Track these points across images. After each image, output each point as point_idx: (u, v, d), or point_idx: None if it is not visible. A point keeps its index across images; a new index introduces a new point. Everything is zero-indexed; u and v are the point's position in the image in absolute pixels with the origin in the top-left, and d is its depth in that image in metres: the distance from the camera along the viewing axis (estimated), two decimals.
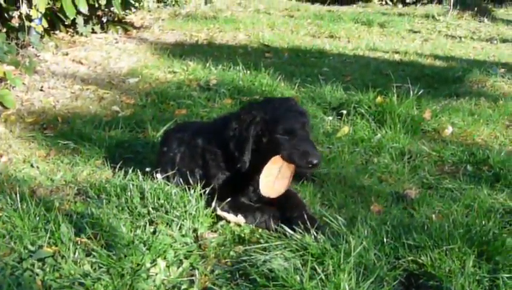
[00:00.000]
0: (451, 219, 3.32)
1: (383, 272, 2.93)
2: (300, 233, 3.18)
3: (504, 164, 4.33)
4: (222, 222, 3.47)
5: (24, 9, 6.53)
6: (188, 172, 3.70)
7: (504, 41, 10.74)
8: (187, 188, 3.58)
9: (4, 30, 7.00)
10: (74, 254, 3.02)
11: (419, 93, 5.65)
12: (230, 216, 3.47)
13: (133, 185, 3.64)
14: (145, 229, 3.26)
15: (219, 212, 3.48)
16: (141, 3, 10.58)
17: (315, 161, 3.33)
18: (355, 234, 3.13)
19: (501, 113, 5.69)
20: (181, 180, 3.70)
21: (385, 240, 3.14)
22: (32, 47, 7.20)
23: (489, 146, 4.84)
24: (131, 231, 3.23)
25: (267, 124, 3.45)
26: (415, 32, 11.69)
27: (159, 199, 3.51)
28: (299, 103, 3.87)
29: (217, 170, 3.63)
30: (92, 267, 2.95)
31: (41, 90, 6.42)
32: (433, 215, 3.52)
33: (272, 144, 3.43)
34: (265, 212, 3.47)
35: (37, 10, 6.52)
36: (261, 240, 3.29)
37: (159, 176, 3.71)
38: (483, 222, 3.30)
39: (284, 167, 3.40)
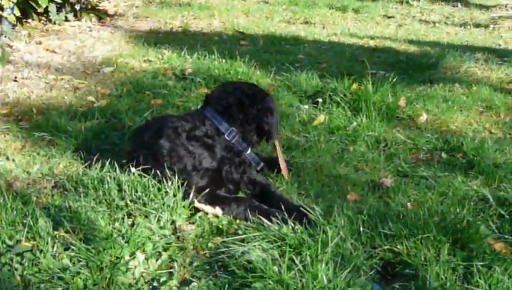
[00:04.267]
0: (426, 207, 3.36)
1: (360, 261, 2.97)
2: (278, 224, 3.21)
3: (477, 151, 4.39)
4: (200, 214, 3.48)
5: None
6: (164, 168, 3.67)
7: (477, 26, 10.84)
8: (164, 180, 3.58)
9: None
10: (53, 248, 3.01)
11: (394, 80, 5.70)
12: (207, 208, 3.49)
13: (110, 177, 3.63)
14: (123, 222, 3.27)
15: (197, 204, 3.49)
16: None
17: None
18: (332, 224, 3.17)
19: (474, 100, 5.76)
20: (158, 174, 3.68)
21: (361, 229, 3.17)
22: (5, 36, 7.12)
23: (463, 133, 4.90)
24: (109, 224, 3.23)
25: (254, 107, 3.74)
26: (389, 17, 11.74)
27: (136, 191, 3.50)
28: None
29: (198, 162, 3.63)
30: (71, 261, 2.94)
31: (15, 80, 6.35)
32: (409, 204, 3.56)
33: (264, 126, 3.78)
34: (241, 203, 3.50)
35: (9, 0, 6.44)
36: (239, 231, 3.31)
37: (133, 169, 3.69)
38: (458, 210, 3.36)
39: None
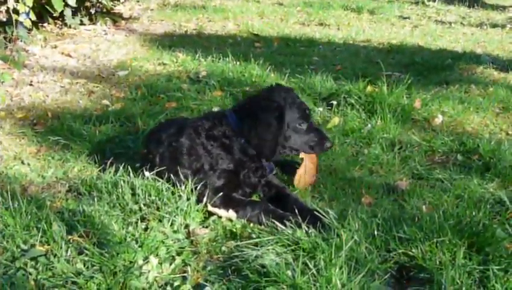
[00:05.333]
0: (441, 210, 3.32)
1: (374, 265, 2.94)
2: (292, 227, 3.19)
3: (494, 153, 4.34)
4: (214, 217, 3.47)
5: (11, 3, 6.47)
6: (175, 172, 3.66)
7: (494, 26, 10.75)
8: (178, 184, 3.57)
9: None
10: (66, 252, 3.02)
11: (409, 81, 5.67)
12: (221, 211, 3.48)
13: (124, 181, 3.64)
14: (137, 226, 3.28)
15: (210, 207, 3.48)
16: None
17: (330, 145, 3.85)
18: (346, 227, 3.14)
19: (491, 101, 5.71)
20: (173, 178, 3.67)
21: (376, 233, 3.15)
22: (21, 41, 7.17)
23: (480, 135, 4.86)
24: (123, 228, 3.23)
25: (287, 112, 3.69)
26: (405, 18, 11.69)
27: (150, 195, 3.51)
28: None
29: (215, 161, 3.63)
30: (84, 265, 2.94)
31: (30, 84, 6.40)
32: (424, 207, 3.52)
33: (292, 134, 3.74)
34: (256, 206, 3.48)
35: (25, 4, 6.47)
36: (253, 235, 3.29)
37: (147, 173, 3.69)
38: (474, 213, 3.31)
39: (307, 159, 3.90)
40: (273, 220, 3.32)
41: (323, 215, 3.26)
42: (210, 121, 3.72)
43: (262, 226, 3.38)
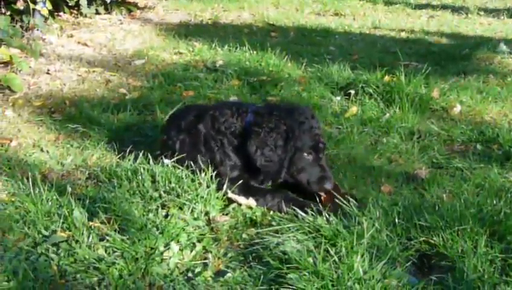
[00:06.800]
0: (462, 199, 3.32)
1: (396, 253, 2.94)
2: (312, 215, 3.19)
3: None
4: (233, 205, 3.48)
5: None
6: (193, 159, 3.68)
7: (511, 16, 10.67)
8: (198, 172, 3.58)
9: (8, 13, 6.97)
10: (88, 238, 3.04)
11: (427, 71, 5.64)
12: (241, 199, 3.48)
13: (143, 168, 3.65)
14: (157, 213, 3.28)
15: (230, 194, 3.48)
16: None
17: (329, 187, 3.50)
18: (367, 215, 3.14)
19: (510, 91, 5.68)
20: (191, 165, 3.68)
21: (397, 221, 3.14)
22: (37, 30, 7.19)
23: (499, 124, 4.83)
24: (143, 215, 3.25)
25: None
26: (421, 8, 11.62)
27: (170, 182, 3.51)
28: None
29: (224, 156, 3.64)
30: (106, 251, 2.97)
31: (47, 73, 6.41)
32: (444, 196, 3.52)
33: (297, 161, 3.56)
34: (276, 195, 3.49)
35: None
36: (273, 223, 3.30)
37: (166, 161, 3.70)
38: (494, 202, 3.30)
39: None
40: (293, 207, 3.33)
41: (343, 203, 3.26)
42: (228, 114, 3.71)
43: (283, 214, 3.38)
